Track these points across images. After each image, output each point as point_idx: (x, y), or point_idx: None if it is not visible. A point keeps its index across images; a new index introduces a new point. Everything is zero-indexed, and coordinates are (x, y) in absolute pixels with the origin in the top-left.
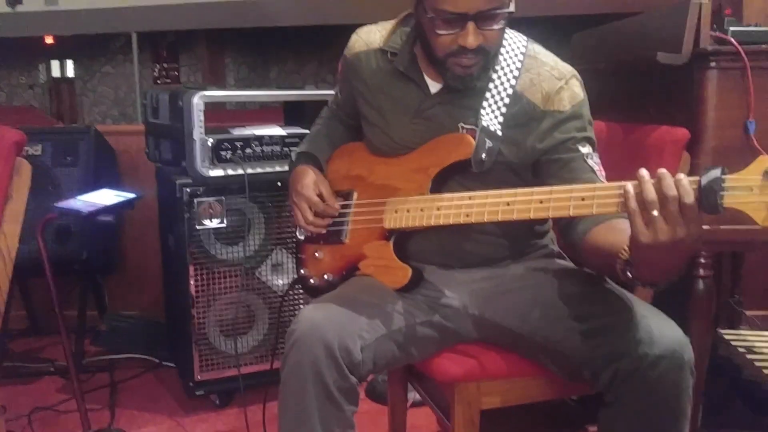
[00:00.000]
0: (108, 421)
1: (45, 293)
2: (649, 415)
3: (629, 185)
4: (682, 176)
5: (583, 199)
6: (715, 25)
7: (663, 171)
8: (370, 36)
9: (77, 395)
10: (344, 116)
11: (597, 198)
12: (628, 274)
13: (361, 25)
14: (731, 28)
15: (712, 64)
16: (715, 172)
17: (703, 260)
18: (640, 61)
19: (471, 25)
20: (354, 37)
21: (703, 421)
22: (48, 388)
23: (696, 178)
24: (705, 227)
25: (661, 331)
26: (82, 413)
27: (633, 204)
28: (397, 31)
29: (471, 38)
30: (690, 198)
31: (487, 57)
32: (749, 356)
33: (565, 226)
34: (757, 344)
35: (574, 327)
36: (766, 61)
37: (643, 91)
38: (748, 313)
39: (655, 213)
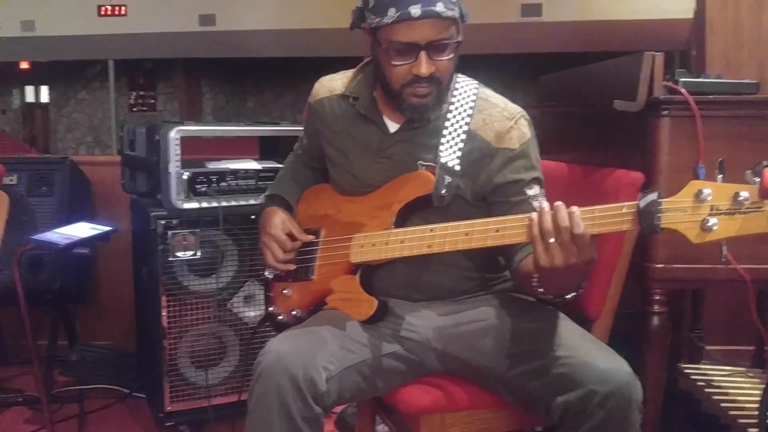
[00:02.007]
0: None
1: (14, 322)
2: None
3: (534, 215)
4: (574, 209)
5: None
6: (667, 76)
7: (558, 204)
8: (333, 83)
9: (48, 426)
10: (309, 160)
11: None
12: (540, 290)
13: (337, 57)
14: (682, 79)
15: (665, 112)
16: (652, 196)
17: (657, 297)
18: (599, 107)
19: (423, 55)
20: (317, 85)
21: None
22: (16, 419)
23: (635, 202)
24: (659, 266)
25: (610, 369)
26: None
27: (535, 231)
28: (357, 77)
29: (424, 67)
30: (579, 228)
31: (440, 87)
32: (708, 390)
33: (507, 257)
34: (716, 378)
35: (529, 363)
36: (714, 110)
37: (601, 135)
38: (709, 347)
39: (552, 241)
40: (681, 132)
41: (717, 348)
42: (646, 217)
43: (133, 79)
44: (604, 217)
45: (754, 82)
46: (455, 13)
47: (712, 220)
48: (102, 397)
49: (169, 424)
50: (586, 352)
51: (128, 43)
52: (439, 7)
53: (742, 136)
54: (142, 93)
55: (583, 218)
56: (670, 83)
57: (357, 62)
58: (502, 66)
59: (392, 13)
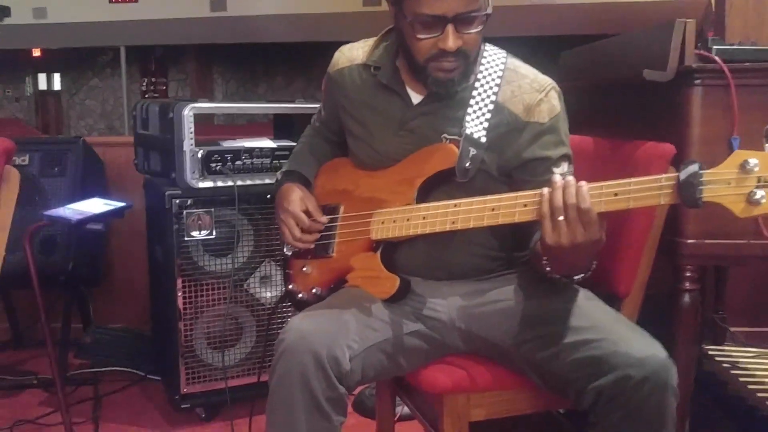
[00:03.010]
0: None
1: (28, 305)
2: None
3: (546, 191)
4: (583, 183)
5: None
6: (699, 44)
7: (569, 179)
8: (353, 52)
9: (62, 408)
10: (328, 133)
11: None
12: (547, 269)
13: (349, 41)
14: (715, 47)
15: (697, 81)
16: (693, 168)
17: (688, 274)
18: (626, 78)
19: (450, 28)
20: (337, 54)
21: None
22: (30, 401)
23: (675, 174)
24: (691, 241)
25: (645, 352)
26: (67, 426)
27: (545, 208)
28: (379, 46)
29: (451, 41)
30: (585, 203)
31: (467, 61)
32: (734, 372)
33: (528, 235)
34: (741, 360)
35: (559, 345)
36: (750, 78)
37: (629, 107)
38: (733, 329)
39: (561, 218)
40: (714, 102)
41: (741, 329)
42: (687, 190)
43: (145, 66)
44: (641, 190)
45: None
46: None
47: (760, 193)
48: (117, 380)
49: (184, 406)
50: (620, 334)
51: (139, 30)
52: None
53: None
54: (153, 79)
55: (619, 191)
56: (702, 51)
57: None
58: (516, 49)
59: None
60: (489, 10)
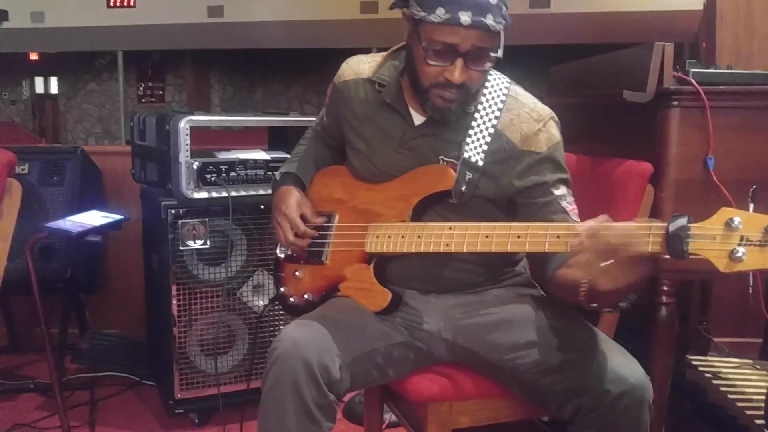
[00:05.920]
0: None
1: (26, 311)
2: None
3: (584, 236)
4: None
5: (558, 237)
6: (677, 66)
7: (604, 218)
8: (360, 66)
9: (61, 412)
10: (328, 138)
11: (571, 237)
12: (593, 305)
13: (346, 49)
14: (692, 70)
15: (674, 102)
16: (682, 221)
17: (665, 288)
18: (608, 98)
19: (460, 62)
20: (344, 66)
21: None
22: (27, 406)
23: (663, 224)
24: (667, 256)
25: (623, 369)
26: (64, 430)
27: (591, 257)
28: (386, 63)
29: (457, 74)
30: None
31: (467, 95)
32: (715, 382)
33: (540, 261)
34: (723, 370)
35: (540, 360)
36: (725, 101)
37: (611, 126)
38: (717, 339)
39: (611, 262)
40: (691, 123)
41: (724, 340)
42: (674, 242)
43: (142, 71)
44: (630, 236)
45: (766, 73)
46: (502, 27)
47: (741, 250)
48: (112, 385)
49: (178, 411)
50: (600, 351)
51: (137, 35)
52: (489, 20)
53: (753, 128)
54: (150, 84)
55: (604, 234)
56: (680, 74)
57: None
58: (511, 58)
59: (441, 12)
60: (500, 54)
